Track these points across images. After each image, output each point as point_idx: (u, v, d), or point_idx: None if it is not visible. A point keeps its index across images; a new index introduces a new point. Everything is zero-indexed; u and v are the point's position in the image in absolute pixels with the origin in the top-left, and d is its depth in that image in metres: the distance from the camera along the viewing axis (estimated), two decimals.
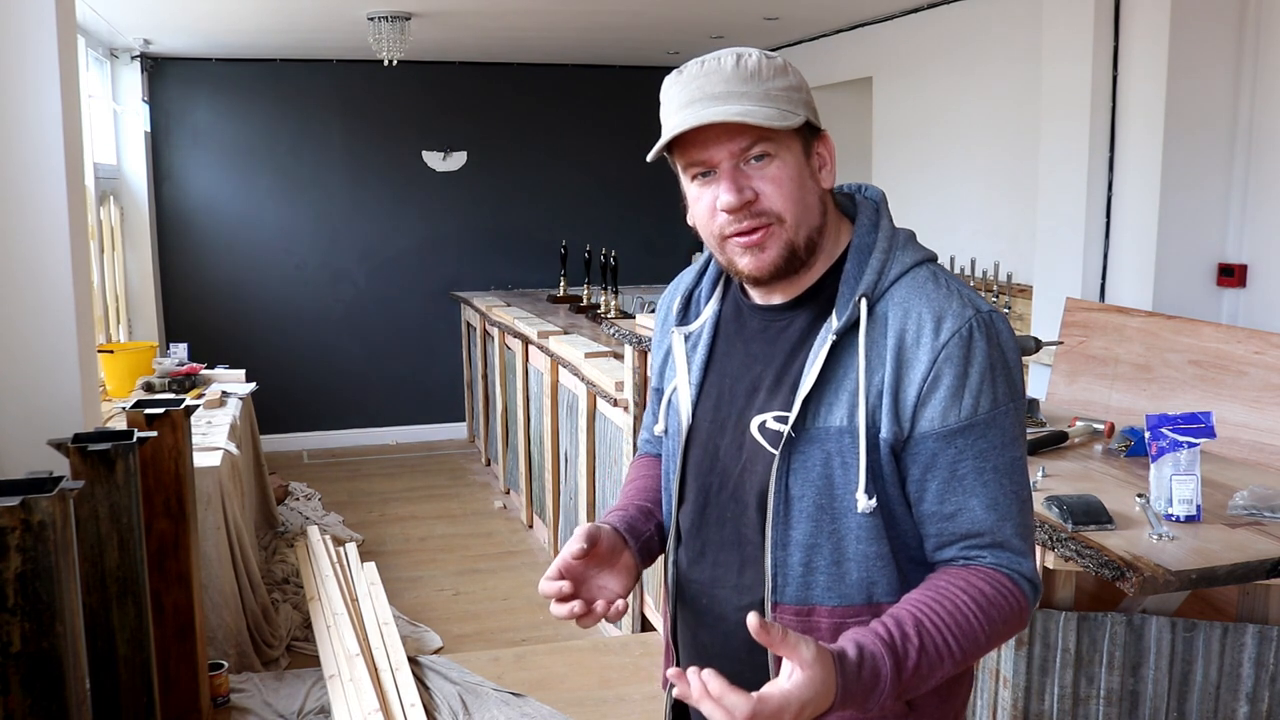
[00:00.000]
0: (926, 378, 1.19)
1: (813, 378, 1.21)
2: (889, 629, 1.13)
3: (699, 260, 1.43)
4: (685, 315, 1.40)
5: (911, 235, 1.30)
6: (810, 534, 1.23)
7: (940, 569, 1.23)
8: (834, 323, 1.22)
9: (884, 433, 1.20)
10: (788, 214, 1.21)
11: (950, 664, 1.15)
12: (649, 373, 1.52)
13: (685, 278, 1.44)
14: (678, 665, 1.42)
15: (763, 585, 1.27)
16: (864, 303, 1.22)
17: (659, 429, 1.41)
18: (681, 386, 1.35)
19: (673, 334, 1.39)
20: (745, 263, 1.24)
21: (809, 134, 1.24)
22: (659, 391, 1.45)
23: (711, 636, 1.34)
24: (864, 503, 1.20)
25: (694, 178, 1.24)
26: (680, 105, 1.21)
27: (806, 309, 1.28)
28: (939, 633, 1.14)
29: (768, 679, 1.27)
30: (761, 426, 1.27)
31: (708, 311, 1.37)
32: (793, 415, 1.22)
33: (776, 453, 1.23)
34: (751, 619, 1.03)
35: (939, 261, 1.29)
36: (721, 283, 1.39)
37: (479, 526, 5.46)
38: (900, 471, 1.22)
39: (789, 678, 1.05)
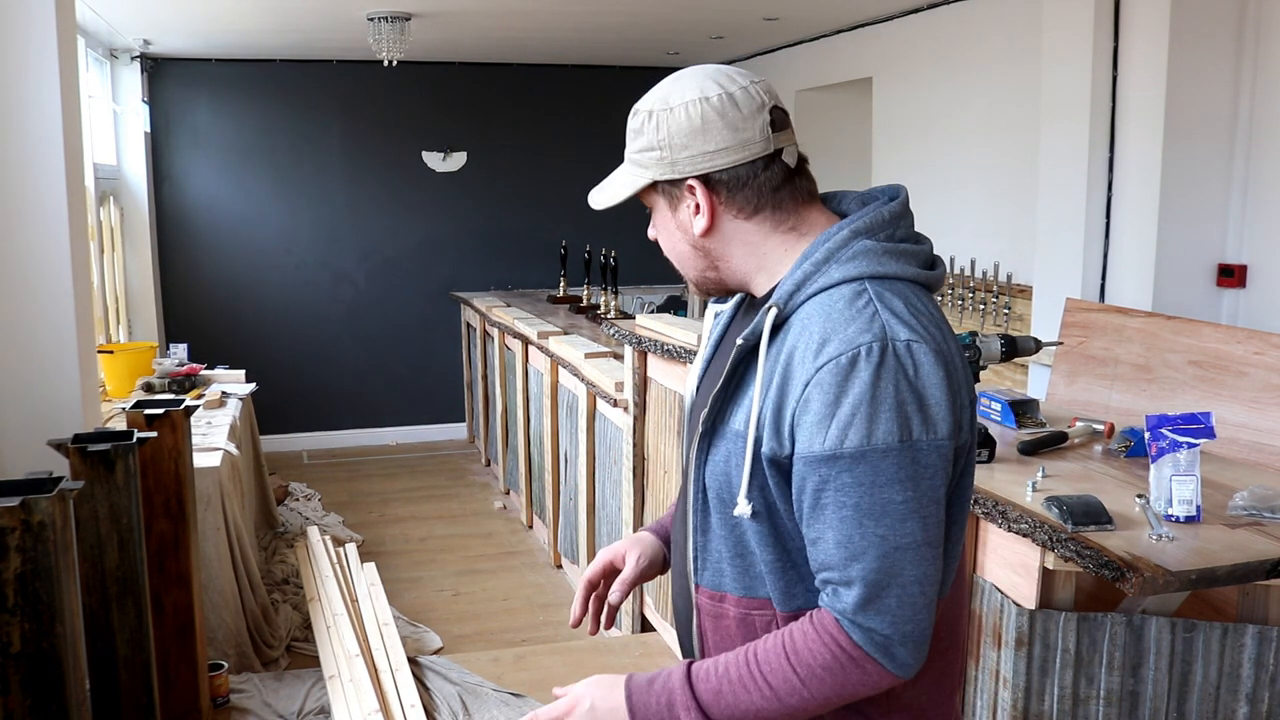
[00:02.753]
0: (799, 400, 1.15)
1: (723, 378, 1.25)
2: (688, 664, 1.23)
3: None
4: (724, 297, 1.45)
5: (874, 250, 1.20)
6: (718, 525, 1.27)
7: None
8: (746, 329, 1.25)
9: (764, 447, 1.19)
10: (672, 260, 1.34)
11: (761, 696, 1.18)
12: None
13: None
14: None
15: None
16: (772, 313, 1.21)
17: (687, 405, 1.48)
18: (693, 367, 1.43)
19: (709, 310, 1.46)
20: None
21: (675, 187, 1.28)
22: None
23: (677, 619, 1.41)
24: (742, 507, 1.21)
25: None
26: None
27: (759, 309, 1.31)
28: (744, 665, 1.20)
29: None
30: (704, 416, 1.32)
31: (736, 297, 1.42)
32: (705, 410, 1.27)
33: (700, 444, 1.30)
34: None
35: (910, 281, 1.21)
36: None
37: (479, 527, 5.46)
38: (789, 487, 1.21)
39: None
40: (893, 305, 1.16)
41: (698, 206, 1.26)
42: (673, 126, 1.24)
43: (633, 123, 1.29)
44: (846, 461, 1.12)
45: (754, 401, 1.20)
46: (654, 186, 1.28)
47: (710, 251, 1.29)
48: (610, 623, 1.48)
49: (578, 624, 1.47)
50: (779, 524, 1.22)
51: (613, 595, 1.44)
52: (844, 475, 1.13)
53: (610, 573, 1.47)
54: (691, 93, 1.23)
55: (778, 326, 1.21)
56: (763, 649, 1.20)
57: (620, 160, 1.34)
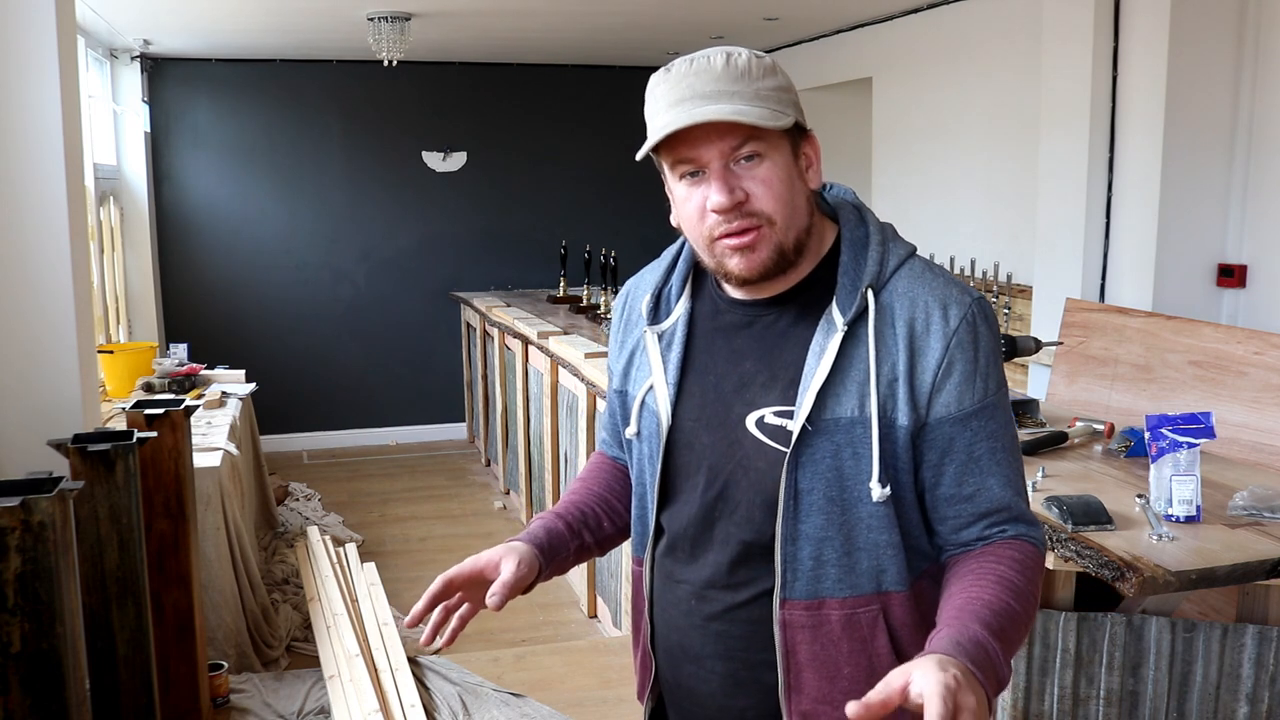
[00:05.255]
0: (941, 364, 1.20)
1: (825, 370, 1.21)
2: (961, 613, 1.14)
3: (662, 259, 1.41)
4: (655, 314, 1.37)
5: (894, 227, 1.32)
6: (820, 527, 1.22)
7: (963, 557, 1.24)
8: (836, 314, 1.22)
9: (902, 420, 1.20)
10: (778, 215, 1.20)
11: (1023, 626, 1.18)
12: (608, 376, 1.47)
13: (649, 277, 1.42)
14: (656, 672, 1.41)
15: (760, 581, 1.27)
16: (870, 293, 1.22)
17: (630, 432, 1.38)
18: (659, 386, 1.33)
19: (645, 333, 1.36)
20: (735, 264, 1.23)
21: (797, 135, 1.23)
22: (622, 394, 1.41)
23: (704, 637, 1.32)
24: (878, 492, 1.20)
25: (681, 177, 1.23)
26: (670, 103, 1.19)
27: (795, 303, 1.27)
28: (1001, 600, 1.16)
29: (771, 675, 1.27)
30: (759, 422, 1.25)
31: (679, 309, 1.35)
32: (806, 408, 1.21)
33: (785, 448, 1.22)
34: (852, 709, 0.97)
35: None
36: (691, 279, 1.37)
37: (479, 527, 5.46)
38: (914, 458, 1.23)
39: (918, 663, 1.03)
40: (945, 271, 1.28)
41: (813, 161, 1.26)
42: (789, 76, 1.25)
43: (757, 62, 1.20)
44: (991, 410, 1.23)
45: (871, 381, 1.20)
46: (783, 131, 1.21)
47: (812, 212, 1.27)
48: (453, 639, 1.28)
49: (416, 623, 1.27)
50: (902, 498, 1.23)
51: (492, 599, 1.24)
52: (990, 423, 1.23)
53: (477, 582, 1.28)
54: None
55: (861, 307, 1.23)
56: (1012, 582, 1.18)
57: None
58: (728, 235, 1.21)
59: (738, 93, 1.17)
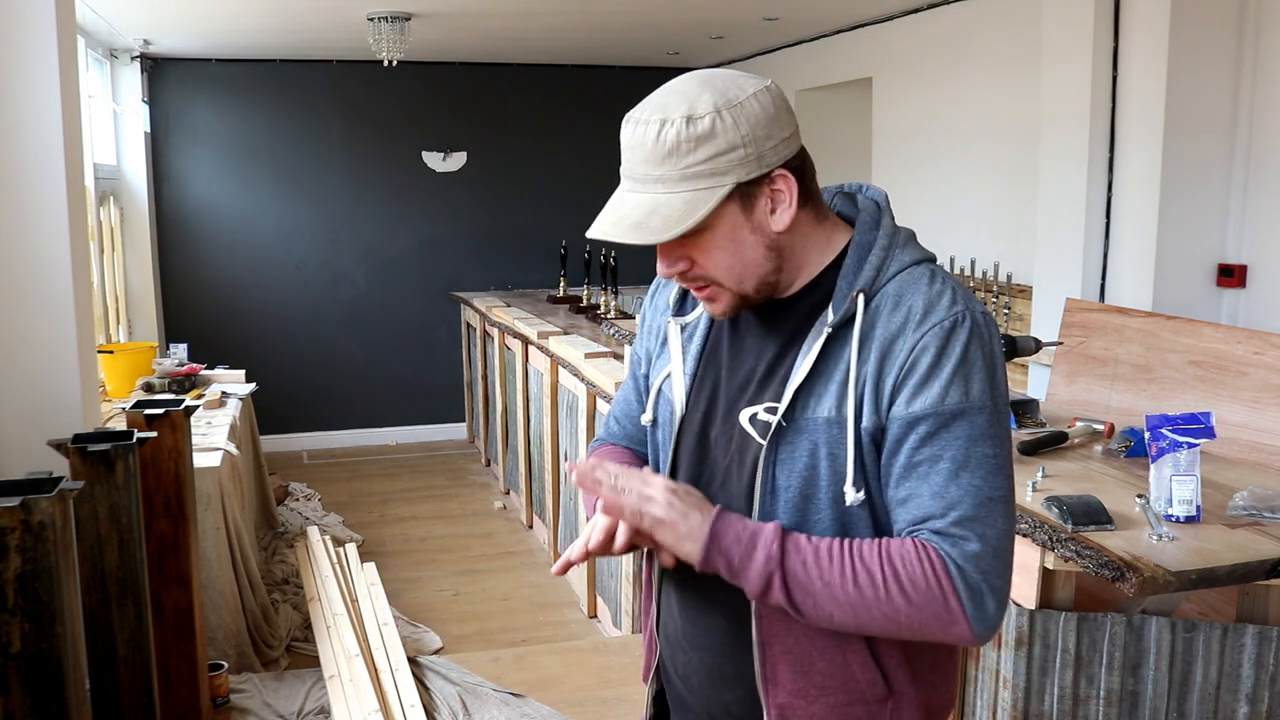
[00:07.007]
0: (904, 365, 1.19)
1: (805, 369, 1.22)
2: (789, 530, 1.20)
3: None
4: (682, 306, 1.40)
5: (912, 235, 1.30)
6: (795, 525, 1.23)
7: None
8: (829, 316, 1.23)
9: (865, 422, 1.20)
10: (725, 279, 1.23)
11: (842, 589, 1.16)
12: (632, 360, 1.50)
13: None
14: (659, 660, 1.44)
15: None
16: (861, 298, 1.22)
17: (646, 418, 1.41)
18: (676, 376, 1.36)
19: (669, 324, 1.38)
20: (705, 307, 1.31)
21: (750, 186, 1.20)
22: (645, 378, 1.45)
23: (695, 628, 1.35)
24: (852, 495, 1.20)
25: None
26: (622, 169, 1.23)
27: (802, 305, 1.29)
28: (837, 555, 1.17)
29: (749, 671, 1.29)
30: (752, 418, 1.28)
31: (698, 310, 1.38)
32: (782, 405, 1.22)
33: (764, 443, 1.24)
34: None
35: (938, 263, 1.29)
36: None
37: (479, 527, 5.46)
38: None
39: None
40: (956, 283, 1.24)
41: (784, 198, 1.22)
42: (752, 119, 1.18)
43: (689, 131, 1.17)
44: (945, 419, 1.17)
45: (851, 382, 1.20)
46: (727, 196, 1.19)
47: (783, 249, 1.25)
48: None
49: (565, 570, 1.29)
50: (874, 502, 1.22)
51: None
52: (942, 433, 1.17)
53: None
54: (749, 84, 1.20)
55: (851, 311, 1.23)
56: (864, 545, 1.18)
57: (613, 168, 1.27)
58: (686, 286, 1.28)
59: (661, 178, 1.18)
